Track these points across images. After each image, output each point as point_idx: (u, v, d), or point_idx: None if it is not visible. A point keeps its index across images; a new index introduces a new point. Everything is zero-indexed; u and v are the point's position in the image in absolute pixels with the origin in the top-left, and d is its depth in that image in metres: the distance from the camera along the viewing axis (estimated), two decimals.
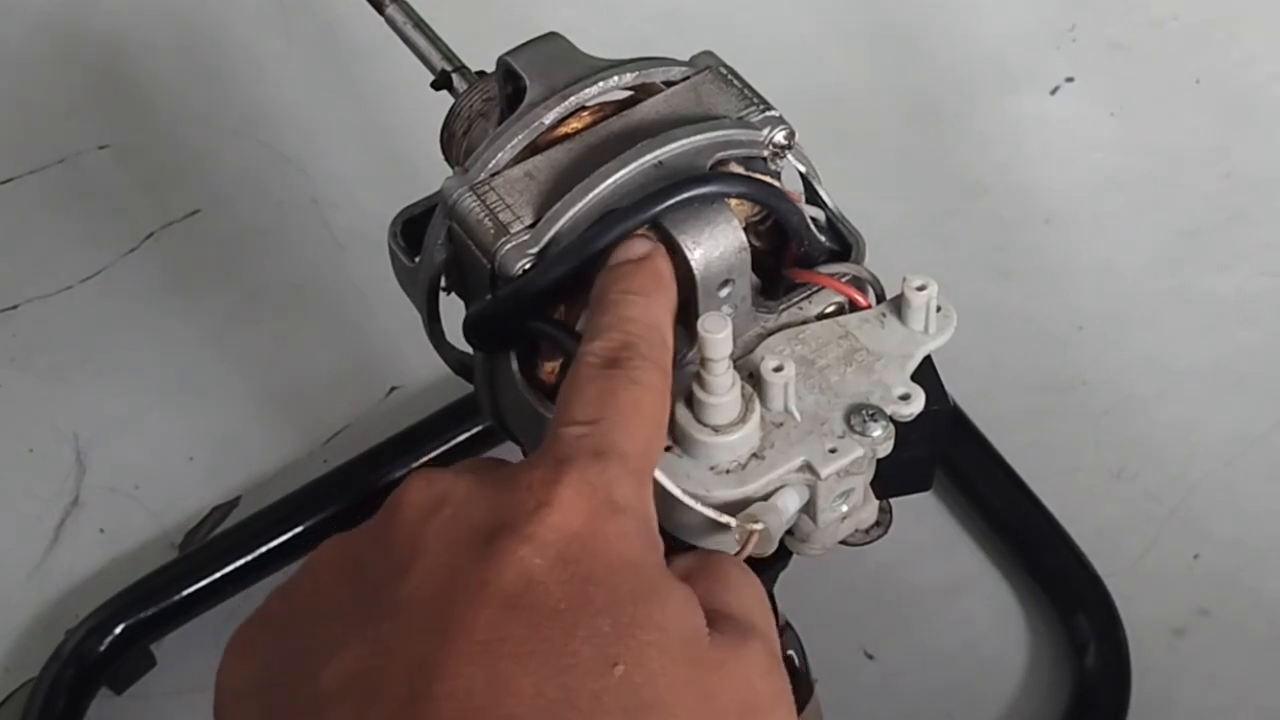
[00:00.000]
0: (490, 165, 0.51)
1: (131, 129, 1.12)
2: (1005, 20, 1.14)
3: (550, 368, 0.50)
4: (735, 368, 0.46)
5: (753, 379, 0.47)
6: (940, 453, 0.51)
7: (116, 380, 0.99)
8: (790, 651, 0.63)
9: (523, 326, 0.49)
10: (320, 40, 1.15)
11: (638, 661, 0.39)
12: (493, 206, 0.50)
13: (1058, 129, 1.08)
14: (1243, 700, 0.86)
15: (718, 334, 0.44)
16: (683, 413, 0.46)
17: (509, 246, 0.49)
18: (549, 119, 0.51)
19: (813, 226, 0.51)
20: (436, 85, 0.62)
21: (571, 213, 0.49)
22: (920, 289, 0.50)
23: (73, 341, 1.02)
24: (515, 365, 0.50)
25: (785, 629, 0.63)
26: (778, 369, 0.47)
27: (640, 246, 0.48)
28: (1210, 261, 1.01)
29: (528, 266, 0.48)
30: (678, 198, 0.47)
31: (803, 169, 0.53)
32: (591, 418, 0.42)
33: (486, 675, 0.38)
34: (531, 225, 0.49)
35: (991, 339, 0.97)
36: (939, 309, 0.50)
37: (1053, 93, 1.10)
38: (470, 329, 0.50)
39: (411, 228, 0.55)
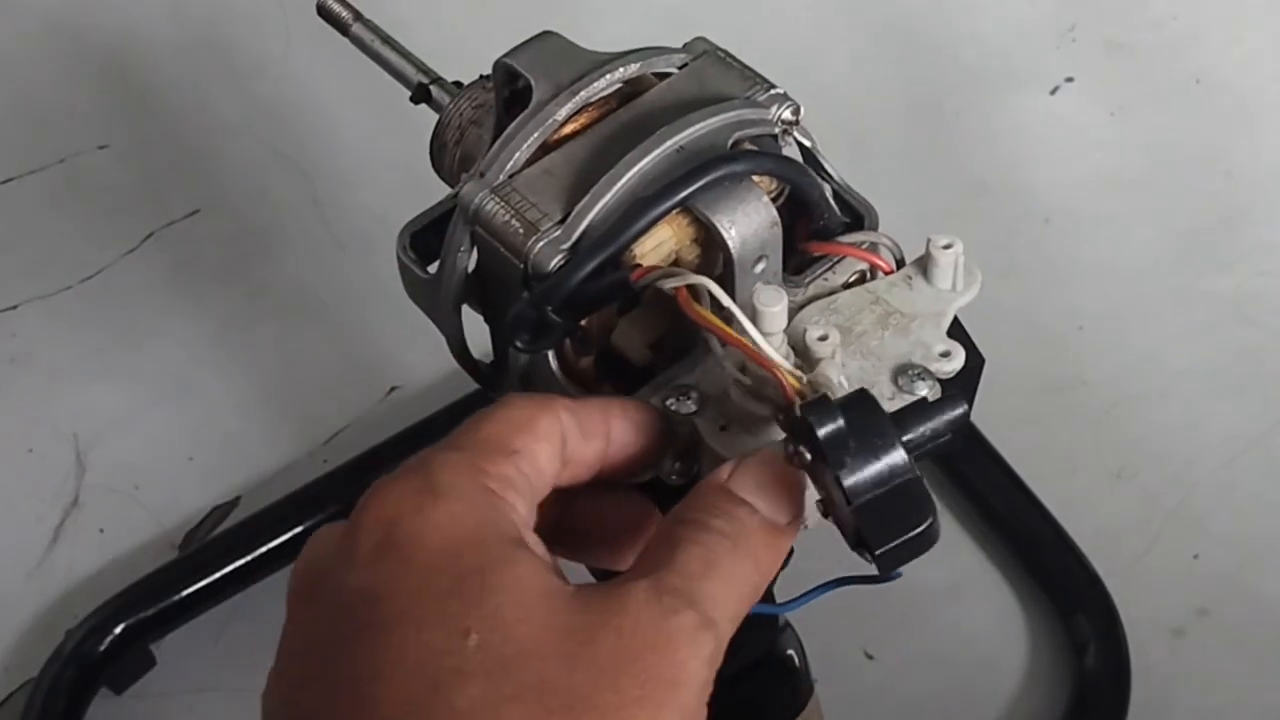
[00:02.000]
0: (507, 167, 0.51)
1: (131, 129, 1.12)
2: (1005, 20, 1.14)
3: (585, 362, 0.50)
4: None
5: (796, 353, 0.47)
6: (971, 407, 0.51)
7: (116, 380, 0.99)
8: (790, 651, 0.63)
9: (569, 321, 0.49)
10: (320, 40, 1.14)
11: (491, 625, 0.40)
12: (518, 207, 0.49)
13: (1058, 129, 1.08)
14: (1243, 700, 0.86)
15: (774, 307, 0.44)
16: (737, 392, 0.46)
17: (542, 244, 0.48)
18: (561, 115, 0.51)
19: (831, 199, 0.52)
20: (415, 99, 0.62)
21: (601, 204, 0.48)
22: (947, 247, 0.50)
23: (73, 341, 1.02)
24: (554, 363, 0.50)
25: (785, 629, 0.63)
26: (823, 338, 0.47)
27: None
28: (1210, 261, 1.01)
29: (563, 262, 0.48)
30: (708, 178, 0.48)
31: (808, 143, 0.53)
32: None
33: (351, 698, 0.39)
34: (561, 221, 0.49)
35: (991, 339, 0.96)
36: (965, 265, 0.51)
37: (1053, 93, 1.10)
38: (513, 331, 0.49)
39: (420, 239, 0.54)
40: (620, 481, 0.48)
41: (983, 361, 0.50)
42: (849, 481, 0.42)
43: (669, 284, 0.47)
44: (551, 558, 0.43)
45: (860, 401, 0.42)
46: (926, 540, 0.44)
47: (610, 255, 0.47)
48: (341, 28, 0.64)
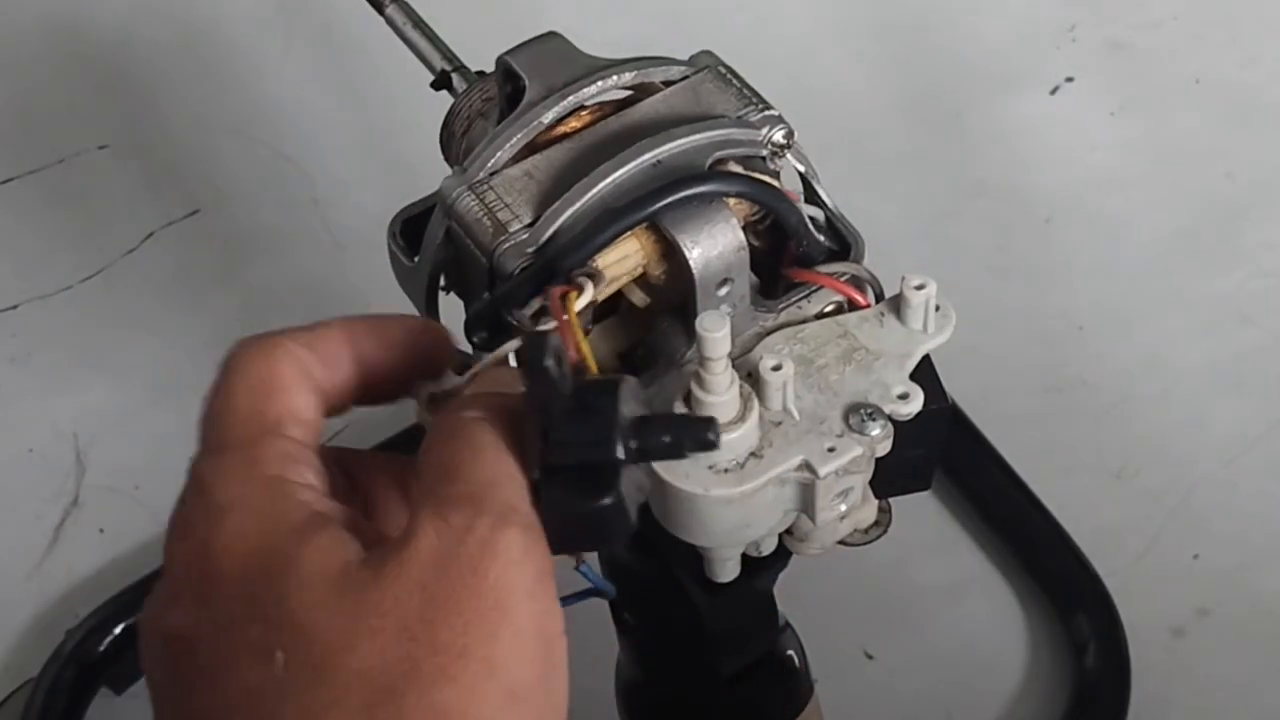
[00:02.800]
0: (489, 164, 0.51)
1: (131, 129, 1.12)
2: (1005, 20, 1.14)
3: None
4: (734, 367, 0.46)
5: (751, 378, 0.47)
6: (939, 452, 0.51)
7: (116, 380, 0.99)
8: (790, 651, 0.64)
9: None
10: (320, 40, 1.15)
11: (292, 636, 0.37)
12: (491, 205, 0.50)
13: (1058, 129, 1.08)
14: (1243, 700, 0.86)
15: (716, 332, 0.44)
16: (681, 411, 0.46)
17: (507, 245, 0.49)
18: (548, 118, 0.51)
19: (811, 226, 0.51)
20: (436, 85, 0.63)
21: (570, 212, 0.49)
22: (919, 288, 0.50)
23: (73, 341, 1.02)
24: (515, 362, 0.50)
25: (785, 629, 0.63)
26: (776, 368, 0.47)
27: None
28: (1210, 261, 1.01)
29: (525, 265, 0.48)
30: (674, 196, 0.47)
31: (801, 168, 0.53)
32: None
33: None
34: (530, 224, 0.49)
35: (991, 339, 0.97)
36: (938, 308, 0.50)
37: (1053, 93, 1.10)
38: (472, 327, 0.50)
39: (411, 227, 0.55)
40: (388, 399, 0.47)
41: (949, 407, 0.50)
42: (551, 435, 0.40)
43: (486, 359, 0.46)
44: (354, 514, 0.41)
45: (606, 383, 0.41)
46: (599, 520, 0.41)
47: (571, 264, 0.47)
48: (378, 6, 0.65)
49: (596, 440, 0.40)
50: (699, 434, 0.41)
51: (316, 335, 0.44)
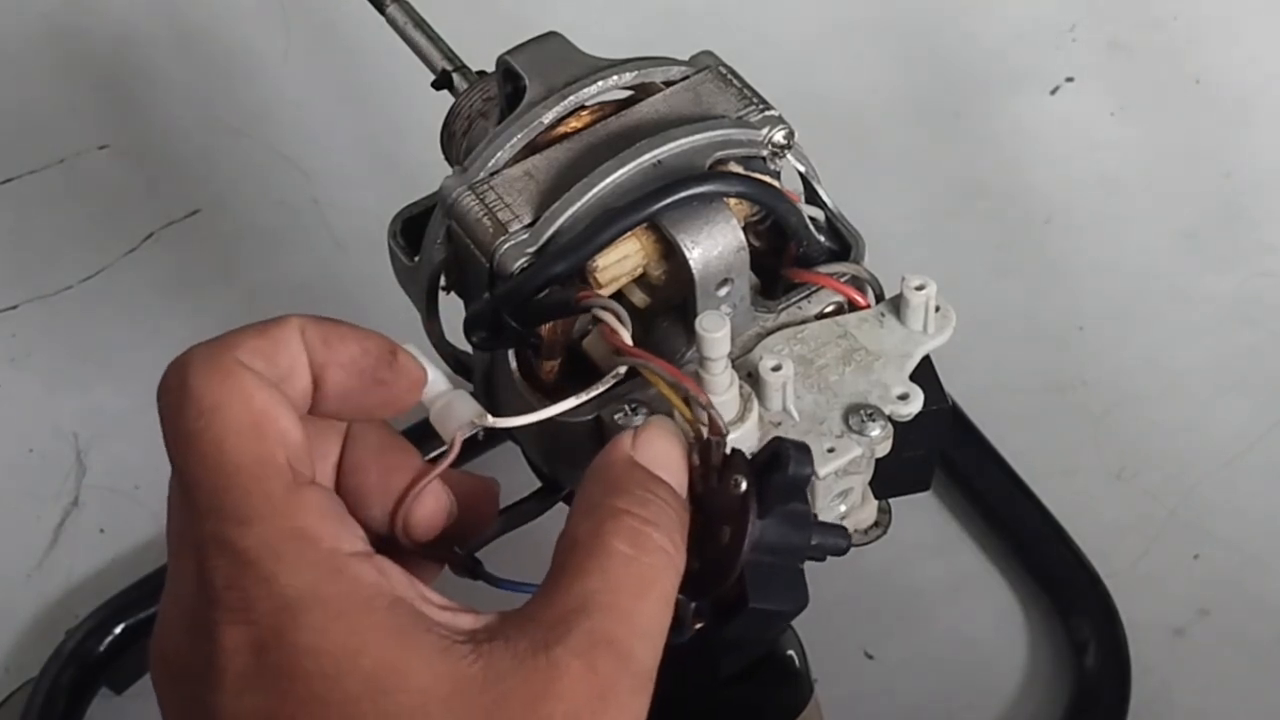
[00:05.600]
0: (490, 164, 0.51)
1: (131, 129, 1.11)
2: (1005, 20, 1.14)
3: (549, 366, 0.50)
4: (734, 367, 0.46)
5: (751, 378, 0.47)
6: (939, 453, 0.51)
7: (116, 380, 0.99)
8: (790, 651, 0.63)
9: (522, 325, 0.49)
10: (320, 40, 1.15)
11: None
12: (491, 205, 0.50)
13: (1058, 129, 1.08)
14: (1243, 700, 0.86)
15: (716, 333, 0.44)
16: (679, 415, 0.46)
17: (507, 245, 0.49)
18: (548, 118, 0.51)
19: (811, 226, 0.51)
20: (437, 85, 0.63)
21: (570, 212, 0.49)
22: (919, 289, 0.50)
23: (73, 341, 1.02)
24: (514, 364, 0.50)
25: (785, 629, 0.63)
26: (776, 368, 0.47)
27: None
28: (1210, 261, 1.01)
29: (525, 265, 0.48)
30: (675, 197, 0.47)
31: (802, 169, 0.53)
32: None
33: None
34: (530, 224, 0.49)
35: (991, 339, 0.97)
36: (938, 309, 0.50)
37: (1053, 93, 1.10)
38: (470, 328, 0.50)
39: (411, 227, 0.55)
40: (335, 417, 0.44)
41: (949, 408, 0.50)
42: (770, 533, 0.42)
43: (601, 315, 0.47)
44: (417, 588, 0.40)
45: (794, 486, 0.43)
46: (781, 623, 0.45)
47: (571, 265, 0.47)
48: (379, 6, 0.65)
49: (796, 548, 0.43)
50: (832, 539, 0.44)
51: (273, 343, 0.42)
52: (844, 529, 0.46)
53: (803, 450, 0.42)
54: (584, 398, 0.46)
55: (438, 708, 0.37)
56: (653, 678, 0.40)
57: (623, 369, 0.46)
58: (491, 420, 0.45)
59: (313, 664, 0.37)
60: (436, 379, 0.46)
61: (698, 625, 0.44)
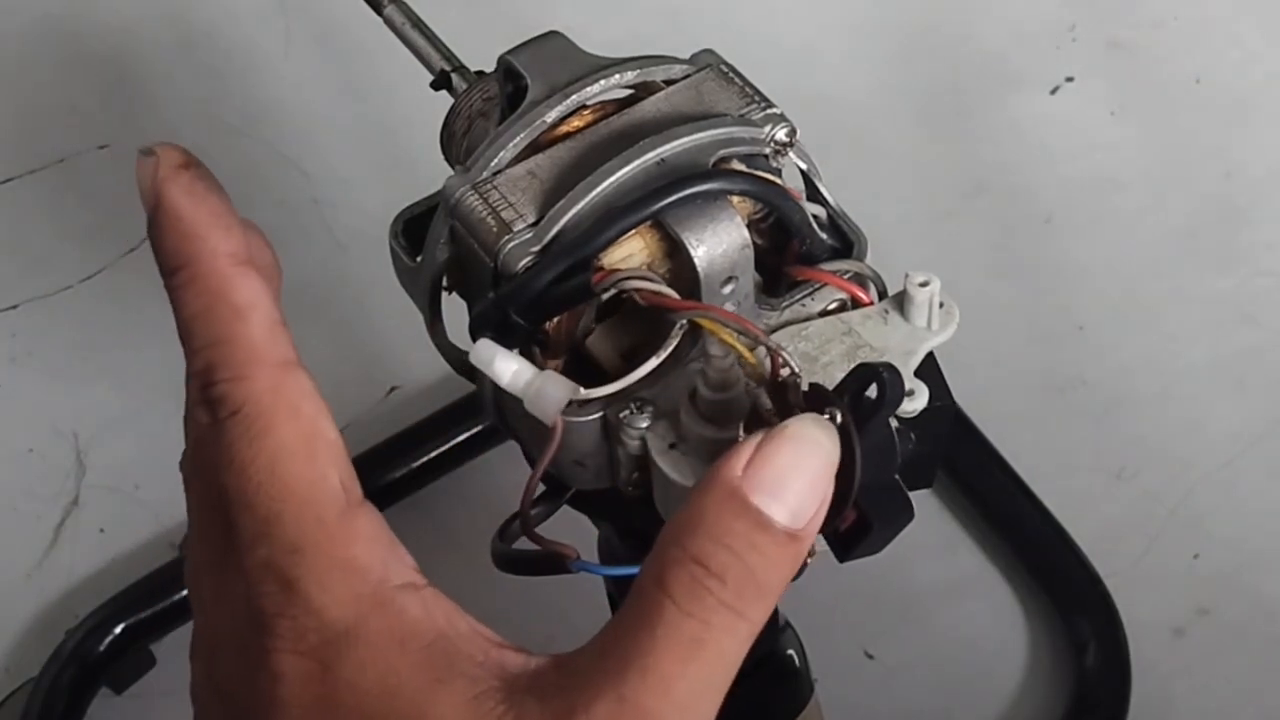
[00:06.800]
0: (492, 164, 0.51)
1: (131, 129, 1.11)
2: (1005, 20, 1.14)
3: (553, 366, 0.50)
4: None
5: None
6: (943, 450, 0.51)
7: (116, 380, 0.99)
8: (790, 651, 0.63)
9: (530, 323, 0.49)
10: (320, 40, 1.15)
11: None
12: (495, 205, 0.50)
13: (1058, 129, 1.08)
14: (1243, 700, 0.86)
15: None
16: (686, 411, 0.46)
17: (512, 245, 0.49)
18: (550, 117, 0.51)
19: (814, 224, 0.51)
20: (435, 85, 0.62)
21: (574, 210, 0.49)
22: (923, 285, 0.50)
23: (73, 341, 1.02)
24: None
25: (785, 629, 0.63)
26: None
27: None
28: (1210, 261, 1.01)
29: (530, 264, 0.48)
30: (679, 194, 0.47)
31: (804, 166, 0.53)
32: None
33: None
34: (534, 223, 0.49)
35: (991, 339, 0.97)
36: (941, 305, 0.50)
37: (1053, 93, 1.10)
38: (476, 327, 0.50)
39: (412, 227, 0.55)
40: None
41: (952, 404, 0.50)
42: (871, 457, 0.41)
43: (630, 285, 0.47)
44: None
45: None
46: (886, 539, 0.44)
47: (575, 263, 0.47)
48: (376, 6, 0.64)
49: (890, 465, 0.43)
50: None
51: (285, 337, 0.41)
52: (906, 431, 0.46)
53: (894, 371, 0.42)
54: (654, 363, 0.46)
55: None
56: None
57: (684, 323, 0.46)
58: (585, 392, 0.45)
59: (353, 700, 0.37)
60: (521, 366, 0.46)
61: (809, 560, 0.43)
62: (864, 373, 0.42)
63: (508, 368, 0.46)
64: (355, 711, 0.37)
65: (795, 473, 0.38)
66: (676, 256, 0.49)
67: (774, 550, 0.37)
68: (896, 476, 0.44)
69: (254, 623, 0.38)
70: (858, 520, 0.43)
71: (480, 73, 0.61)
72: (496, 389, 0.52)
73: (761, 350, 0.45)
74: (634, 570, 0.41)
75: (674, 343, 0.46)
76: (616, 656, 0.36)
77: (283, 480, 0.39)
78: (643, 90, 0.53)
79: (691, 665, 0.37)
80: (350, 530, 0.39)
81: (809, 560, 0.43)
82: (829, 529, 0.42)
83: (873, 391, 0.41)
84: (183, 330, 0.43)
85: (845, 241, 0.53)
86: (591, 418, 0.48)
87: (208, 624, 0.41)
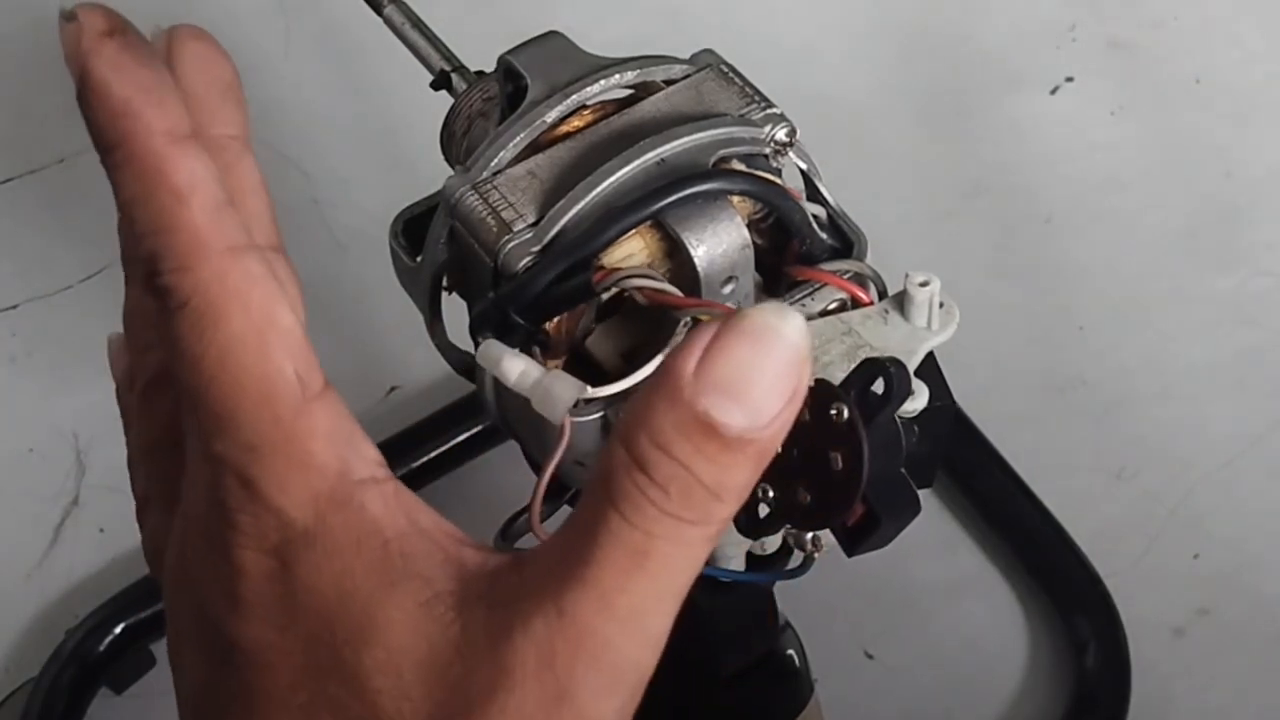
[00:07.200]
0: (492, 164, 0.51)
1: None
2: (1005, 20, 1.14)
3: (552, 366, 0.50)
4: None
5: None
6: (943, 450, 0.51)
7: None
8: (790, 651, 0.64)
9: (530, 322, 0.49)
10: (320, 40, 1.15)
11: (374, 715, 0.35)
12: (495, 205, 0.50)
13: (1058, 129, 1.08)
14: (1243, 700, 0.86)
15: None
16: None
17: (512, 245, 0.49)
18: (551, 117, 0.51)
19: (814, 224, 0.51)
20: (435, 85, 0.63)
21: (574, 210, 0.49)
22: (923, 284, 0.50)
23: (73, 341, 1.02)
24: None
25: (785, 629, 0.63)
26: None
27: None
28: (1210, 261, 1.01)
29: (531, 264, 0.48)
30: (679, 194, 0.47)
31: (804, 166, 0.53)
32: None
33: None
34: (534, 223, 0.49)
35: (991, 339, 0.97)
36: (941, 304, 0.50)
37: (1053, 93, 1.10)
38: (477, 327, 0.50)
39: (412, 227, 0.55)
40: None
41: (952, 404, 0.50)
42: (878, 451, 0.41)
43: (633, 284, 0.47)
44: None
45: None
46: (894, 532, 0.45)
47: (575, 263, 0.47)
48: (376, 6, 0.65)
49: (896, 458, 0.43)
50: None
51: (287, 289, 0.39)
52: (910, 425, 0.46)
53: (900, 366, 0.42)
54: (660, 360, 0.45)
55: (410, 672, 0.35)
56: (641, 671, 0.36)
57: (688, 321, 0.46)
58: (592, 391, 0.45)
59: (310, 602, 0.36)
60: (528, 365, 0.46)
61: (816, 554, 0.43)
62: (870, 368, 0.42)
63: (515, 367, 0.46)
64: (312, 613, 0.36)
65: (753, 370, 0.34)
66: (676, 256, 0.49)
67: (726, 456, 0.34)
68: (903, 470, 0.44)
69: (216, 514, 0.37)
70: (865, 514, 0.43)
71: (480, 73, 0.61)
72: (497, 389, 0.52)
73: None
74: None
75: (678, 340, 0.46)
76: (562, 564, 0.35)
77: (234, 376, 0.36)
78: (643, 90, 0.54)
79: (635, 578, 0.34)
80: (307, 426, 0.37)
81: (816, 555, 0.43)
82: (833, 522, 0.43)
83: (879, 387, 0.41)
84: (123, 215, 0.40)
85: (845, 241, 0.53)
86: (594, 417, 0.48)
87: (184, 509, 0.40)
